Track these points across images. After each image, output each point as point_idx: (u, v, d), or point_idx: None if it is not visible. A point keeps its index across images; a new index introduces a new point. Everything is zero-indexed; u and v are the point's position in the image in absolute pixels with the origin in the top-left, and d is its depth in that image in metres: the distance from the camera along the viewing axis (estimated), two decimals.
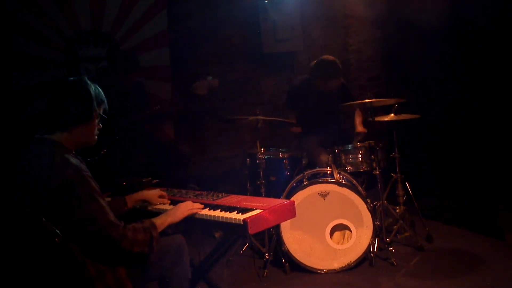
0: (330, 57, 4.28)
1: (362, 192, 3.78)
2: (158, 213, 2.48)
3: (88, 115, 2.17)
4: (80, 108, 2.14)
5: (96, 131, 2.24)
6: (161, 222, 2.25)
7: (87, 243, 2.03)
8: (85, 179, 2.02)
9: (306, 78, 4.55)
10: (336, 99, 4.41)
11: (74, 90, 2.16)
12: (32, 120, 4.67)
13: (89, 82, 2.21)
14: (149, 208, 2.63)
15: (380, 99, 3.88)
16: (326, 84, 4.31)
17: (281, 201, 2.42)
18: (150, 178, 3.10)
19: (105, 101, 2.26)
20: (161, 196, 2.68)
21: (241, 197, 2.58)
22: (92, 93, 2.18)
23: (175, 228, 2.34)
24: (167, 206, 2.60)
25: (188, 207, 2.38)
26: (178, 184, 3.14)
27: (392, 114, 3.94)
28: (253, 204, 2.39)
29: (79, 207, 1.98)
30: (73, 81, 2.19)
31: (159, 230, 2.21)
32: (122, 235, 2.05)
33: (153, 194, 2.67)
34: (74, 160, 2.05)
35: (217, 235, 4.35)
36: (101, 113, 2.24)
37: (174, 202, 2.64)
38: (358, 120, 4.52)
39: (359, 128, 4.46)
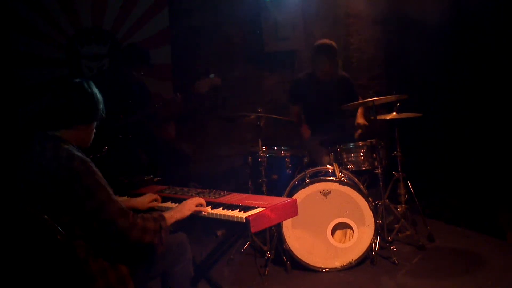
0: (328, 40, 4.40)
1: (364, 190, 3.77)
2: (161, 210, 2.48)
3: (93, 116, 2.24)
4: (88, 108, 2.21)
5: (93, 134, 2.30)
6: (169, 216, 2.27)
7: (95, 235, 2.04)
8: (92, 169, 2.05)
9: (309, 72, 4.56)
10: (338, 94, 4.41)
11: (83, 90, 2.21)
12: (34, 117, 4.66)
13: (92, 84, 2.27)
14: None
15: (382, 97, 3.88)
16: (318, 65, 4.39)
17: (283, 200, 2.42)
18: (151, 176, 3.10)
19: (103, 104, 2.30)
20: (153, 200, 2.66)
21: (243, 195, 2.58)
22: (98, 96, 2.25)
23: (176, 225, 2.34)
24: (169, 204, 2.60)
25: (195, 203, 2.38)
26: (179, 182, 3.14)
27: (394, 113, 3.94)
28: (255, 202, 2.39)
29: (89, 197, 2.00)
30: (81, 82, 2.24)
31: (168, 223, 2.23)
32: (132, 223, 2.06)
33: (142, 200, 2.65)
34: (78, 153, 2.09)
35: (219, 233, 4.33)
36: (100, 114, 2.28)
37: (175, 200, 2.64)
38: (359, 112, 4.51)
39: (359, 119, 4.45)
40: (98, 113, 2.24)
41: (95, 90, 2.25)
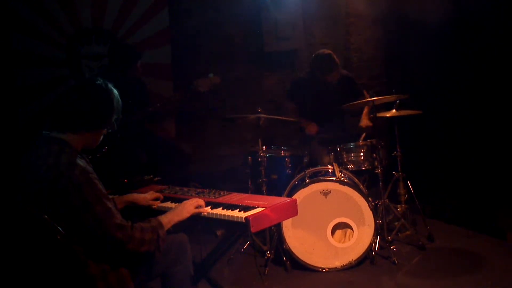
0: (325, 51, 4.34)
1: (364, 190, 3.77)
2: (161, 211, 2.48)
3: (104, 124, 2.18)
4: (99, 116, 2.14)
5: (101, 138, 2.25)
6: (168, 221, 2.25)
7: (92, 245, 2.02)
8: (92, 181, 2.01)
9: (311, 72, 4.56)
10: (341, 94, 4.40)
11: (98, 97, 2.13)
12: (35, 117, 4.66)
13: (113, 88, 2.19)
14: (153, 207, 2.62)
15: (382, 97, 3.88)
16: (325, 78, 4.35)
17: (283, 199, 2.42)
18: (151, 175, 3.10)
19: (120, 109, 2.23)
20: (154, 199, 2.65)
21: (243, 195, 2.58)
22: (115, 103, 2.17)
23: (176, 226, 2.34)
24: (169, 204, 2.60)
25: (193, 205, 2.37)
26: (179, 182, 3.14)
27: (394, 110, 3.94)
28: (255, 202, 2.39)
29: (86, 210, 1.97)
30: (99, 86, 2.15)
31: (166, 228, 2.21)
32: (129, 237, 2.04)
33: (144, 196, 2.64)
34: (81, 162, 2.04)
35: (218, 233, 4.34)
36: (113, 121, 2.22)
37: (175, 200, 2.64)
38: (364, 112, 4.49)
39: (363, 121, 4.43)
40: (108, 121, 2.17)
41: (113, 96, 2.16)
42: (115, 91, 2.20)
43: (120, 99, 2.22)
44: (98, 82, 2.17)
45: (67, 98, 2.12)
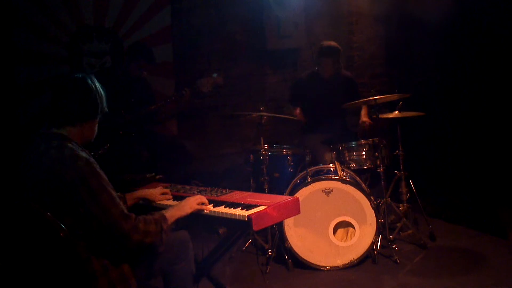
0: (329, 42, 4.43)
1: (366, 189, 3.76)
2: (162, 208, 2.48)
3: (97, 111, 2.21)
4: (91, 104, 2.18)
5: (96, 129, 2.28)
6: (171, 215, 2.26)
7: (97, 236, 2.03)
8: (96, 171, 2.04)
9: (312, 72, 4.56)
10: (341, 93, 4.40)
11: (85, 86, 2.18)
12: (36, 115, 4.66)
13: (94, 78, 2.25)
14: (153, 204, 2.62)
15: (384, 96, 3.87)
16: (322, 67, 4.40)
17: (286, 198, 2.42)
18: (153, 173, 3.10)
19: (105, 96, 2.29)
20: (163, 194, 2.67)
21: (245, 193, 2.58)
22: (101, 90, 2.23)
23: (178, 223, 2.33)
24: (171, 202, 2.60)
25: (196, 202, 2.37)
26: (181, 180, 3.14)
27: (396, 112, 3.94)
28: (257, 200, 2.39)
29: (92, 200, 1.99)
30: (83, 78, 2.21)
31: (169, 223, 2.22)
32: (134, 227, 2.05)
33: (154, 192, 2.66)
34: (83, 153, 2.07)
35: (220, 231, 4.33)
36: (104, 107, 2.26)
37: (177, 198, 2.63)
38: (363, 111, 4.50)
39: (364, 117, 4.44)
40: (100, 109, 2.22)
41: (97, 85, 2.23)
42: (97, 82, 2.25)
43: (102, 88, 2.27)
44: (78, 75, 2.22)
45: (57, 95, 2.17)
